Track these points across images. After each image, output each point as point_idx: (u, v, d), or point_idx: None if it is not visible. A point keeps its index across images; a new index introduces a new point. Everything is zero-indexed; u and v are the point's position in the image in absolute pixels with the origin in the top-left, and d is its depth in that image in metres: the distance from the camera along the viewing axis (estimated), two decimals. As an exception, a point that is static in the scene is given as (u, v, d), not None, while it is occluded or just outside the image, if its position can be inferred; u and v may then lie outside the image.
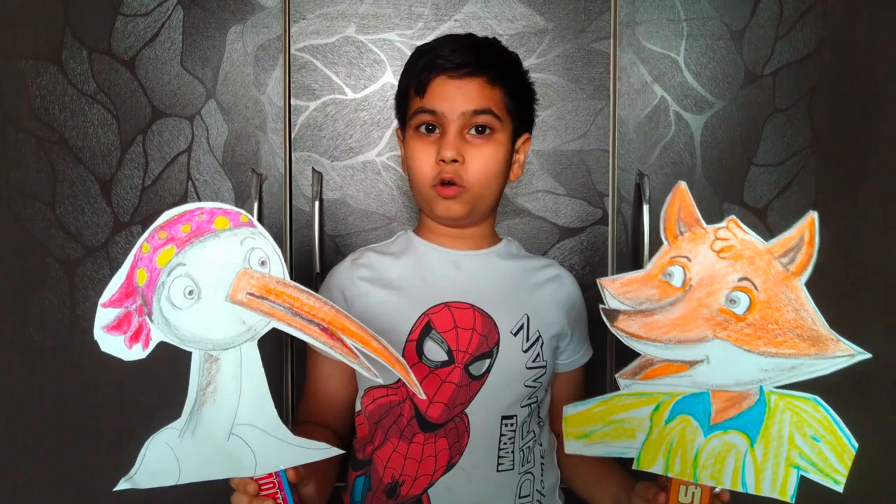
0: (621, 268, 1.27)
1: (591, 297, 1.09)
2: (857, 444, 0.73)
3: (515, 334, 0.99)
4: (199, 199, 1.24)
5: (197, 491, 0.76)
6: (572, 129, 1.28)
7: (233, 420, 0.75)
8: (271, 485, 0.77)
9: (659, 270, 0.76)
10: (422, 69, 0.97)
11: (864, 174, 1.27)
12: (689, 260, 0.76)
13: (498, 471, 0.98)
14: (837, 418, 0.74)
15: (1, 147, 1.23)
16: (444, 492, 0.96)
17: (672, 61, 1.27)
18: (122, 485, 0.76)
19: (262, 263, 0.74)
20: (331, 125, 1.27)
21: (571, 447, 0.79)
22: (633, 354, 0.78)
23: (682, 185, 0.77)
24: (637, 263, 1.25)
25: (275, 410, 0.76)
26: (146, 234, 0.74)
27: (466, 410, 0.97)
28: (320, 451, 0.77)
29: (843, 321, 1.26)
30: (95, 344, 1.23)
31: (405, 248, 1.05)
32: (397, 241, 1.08)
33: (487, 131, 0.97)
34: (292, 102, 1.26)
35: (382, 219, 1.28)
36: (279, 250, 0.75)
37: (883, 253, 1.28)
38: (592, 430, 0.79)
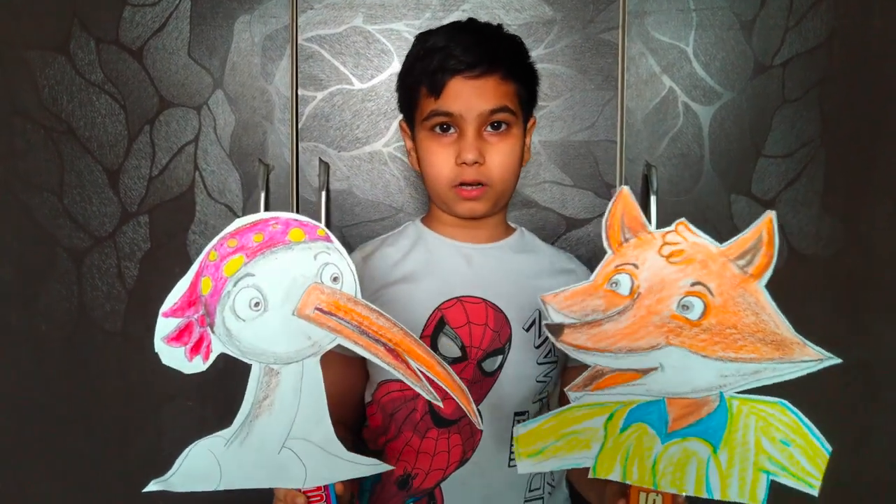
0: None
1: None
2: (830, 448, 0.70)
3: (527, 329, 0.98)
4: (206, 190, 1.24)
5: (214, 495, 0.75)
6: (580, 119, 1.27)
7: (287, 434, 0.73)
8: (319, 497, 0.76)
9: (604, 280, 0.73)
10: (435, 70, 0.93)
11: (874, 166, 1.26)
12: (636, 267, 0.72)
13: (510, 466, 0.97)
14: (808, 422, 0.71)
15: (9, 137, 1.23)
16: (457, 486, 0.96)
17: (681, 52, 1.26)
18: (154, 486, 0.72)
19: (335, 280, 0.72)
20: (338, 115, 1.26)
21: (524, 466, 0.76)
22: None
23: (625, 189, 0.74)
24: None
25: (331, 425, 0.73)
26: (214, 242, 0.71)
27: (479, 407, 0.96)
28: (371, 466, 0.75)
29: (852, 313, 1.27)
30: (102, 334, 1.24)
31: (415, 242, 1.04)
32: (406, 233, 1.06)
33: (503, 127, 0.95)
34: (299, 92, 1.26)
35: (389, 209, 1.28)
36: (354, 267, 0.73)
37: (892, 245, 1.27)
38: (545, 446, 0.75)
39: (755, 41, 1.25)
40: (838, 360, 0.68)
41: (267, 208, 1.21)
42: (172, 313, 0.70)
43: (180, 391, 1.25)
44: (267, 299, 0.71)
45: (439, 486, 0.96)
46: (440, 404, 0.74)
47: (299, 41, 1.25)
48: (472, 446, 0.96)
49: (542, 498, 1.01)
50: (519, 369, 0.97)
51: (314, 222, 0.73)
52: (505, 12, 1.26)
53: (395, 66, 1.26)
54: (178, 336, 0.71)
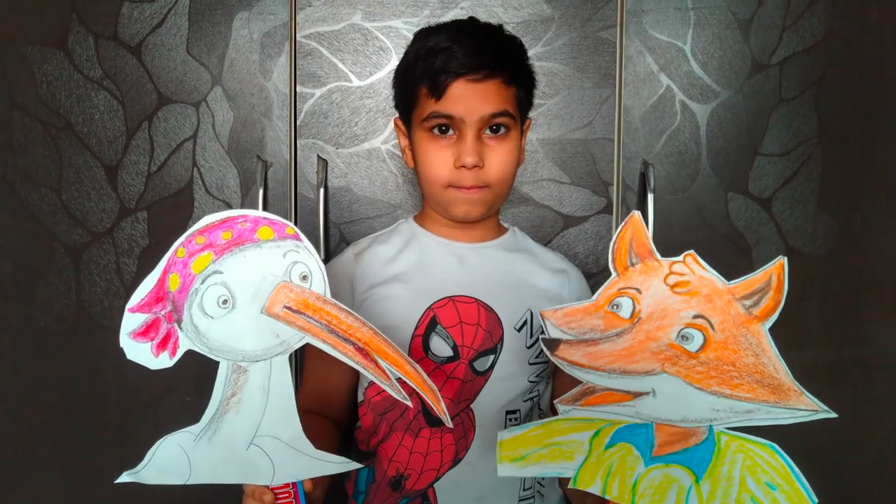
0: (625, 257, 1.27)
1: (596, 285, 1.09)
2: (816, 499, 0.69)
3: (519, 330, 0.98)
4: (205, 186, 1.25)
5: (203, 489, 0.75)
6: (577, 117, 1.28)
7: (255, 431, 0.73)
8: (287, 494, 0.76)
9: (606, 301, 0.73)
10: (437, 72, 0.92)
11: (871, 165, 1.27)
12: (639, 292, 0.72)
13: None
14: (796, 469, 0.70)
15: (7, 133, 1.23)
16: (450, 486, 0.96)
17: (678, 50, 1.26)
18: (125, 478, 0.73)
19: (304, 278, 0.72)
20: (336, 112, 1.27)
21: (505, 470, 0.75)
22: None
23: (636, 214, 0.74)
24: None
25: (299, 423, 0.74)
26: (182, 238, 0.71)
27: (471, 406, 0.96)
28: (339, 464, 0.75)
29: (848, 312, 1.28)
30: (101, 329, 1.24)
31: (408, 240, 1.04)
32: (399, 231, 1.06)
33: (502, 130, 0.95)
34: (298, 89, 1.26)
35: (387, 206, 1.28)
36: (323, 266, 0.72)
37: (889, 244, 1.28)
38: (528, 452, 0.75)
39: (752, 40, 1.26)
40: (834, 415, 0.68)
41: (265, 205, 1.22)
42: (139, 309, 0.71)
43: (177, 386, 1.25)
44: (235, 297, 0.71)
45: (432, 487, 0.97)
46: (409, 403, 0.74)
47: (298, 38, 1.25)
48: (464, 446, 0.96)
49: (534, 497, 1.01)
50: (510, 369, 0.97)
51: (283, 220, 0.73)
52: (503, 10, 1.26)
53: (394, 63, 1.26)
54: (145, 332, 0.71)
